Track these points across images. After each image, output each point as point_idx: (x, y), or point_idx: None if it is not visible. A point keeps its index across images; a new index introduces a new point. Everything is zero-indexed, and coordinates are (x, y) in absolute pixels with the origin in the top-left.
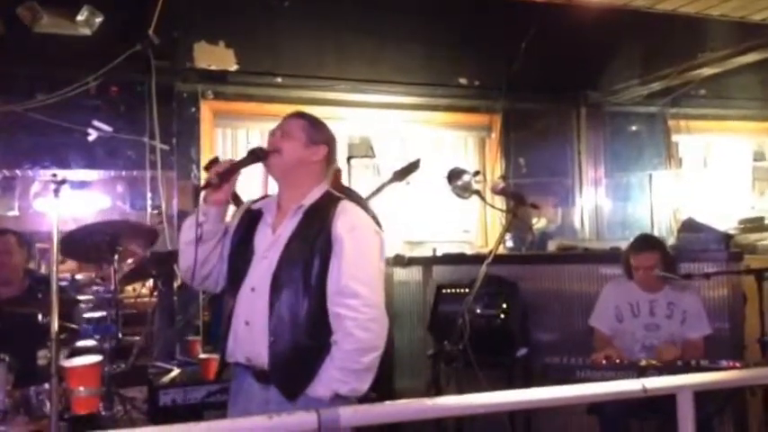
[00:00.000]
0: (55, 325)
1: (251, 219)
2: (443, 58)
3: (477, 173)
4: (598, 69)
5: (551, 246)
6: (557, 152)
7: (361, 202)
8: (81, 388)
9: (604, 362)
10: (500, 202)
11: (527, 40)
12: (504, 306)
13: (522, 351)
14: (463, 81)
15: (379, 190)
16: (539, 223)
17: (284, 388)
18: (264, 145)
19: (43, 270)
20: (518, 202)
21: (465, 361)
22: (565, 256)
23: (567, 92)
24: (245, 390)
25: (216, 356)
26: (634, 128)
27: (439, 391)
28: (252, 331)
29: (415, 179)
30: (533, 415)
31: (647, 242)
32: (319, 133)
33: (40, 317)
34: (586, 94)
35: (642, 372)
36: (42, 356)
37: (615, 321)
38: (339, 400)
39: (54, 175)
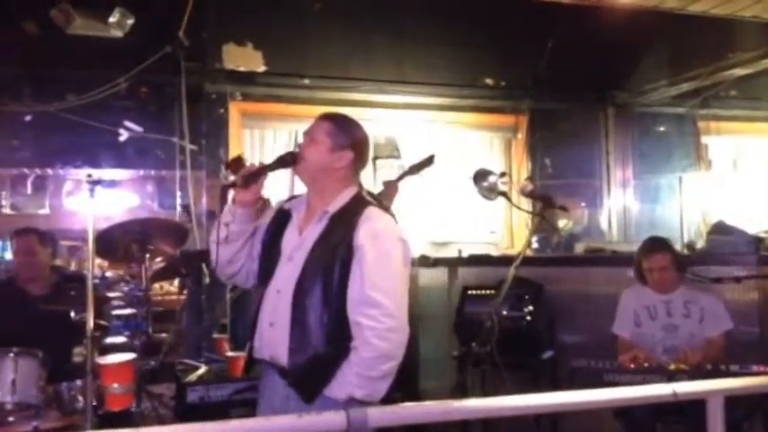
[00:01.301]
0: (90, 322)
1: (282, 218)
2: (469, 58)
3: (503, 174)
4: (626, 70)
5: (578, 248)
6: (584, 153)
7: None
8: (115, 385)
9: (632, 365)
10: (526, 203)
11: (554, 40)
12: (531, 308)
13: (548, 353)
14: (489, 81)
15: (397, 180)
16: (566, 225)
17: (302, 391)
18: (293, 146)
19: (73, 267)
20: (546, 205)
21: (491, 363)
22: (592, 258)
23: (594, 92)
24: (270, 386)
25: (242, 354)
26: (663, 129)
27: (465, 393)
28: (275, 333)
29: (438, 179)
30: (559, 417)
31: (657, 243)
32: (346, 137)
33: (72, 314)
34: (614, 94)
35: (671, 376)
36: (78, 353)
37: (634, 326)
38: (355, 402)
39: (89, 176)
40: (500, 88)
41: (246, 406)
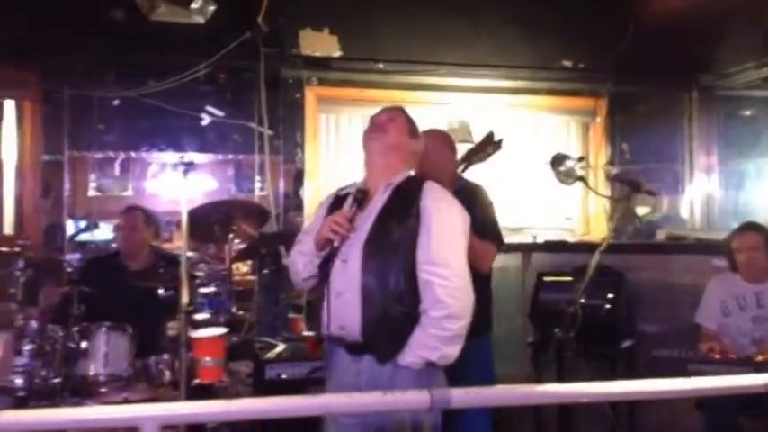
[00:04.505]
0: (185, 298)
1: (339, 202)
2: (547, 39)
3: (581, 158)
4: (711, 51)
5: (660, 235)
6: (666, 138)
7: (476, 188)
8: (207, 358)
9: (717, 356)
10: (603, 188)
11: (636, 21)
12: (610, 296)
13: (628, 343)
14: (567, 64)
15: (462, 171)
16: (648, 213)
17: (377, 351)
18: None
19: None
20: (634, 189)
21: (569, 350)
22: (675, 245)
23: (677, 75)
24: (339, 363)
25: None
26: (750, 113)
27: (540, 379)
28: (344, 301)
29: (512, 163)
30: (637, 407)
31: (748, 224)
32: (417, 131)
33: (161, 291)
34: (698, 77)
35: (758, 367)
36: (172, 327)
37: (722, 316)
38: (429, 367)
39: (182, 157)
40: (578, 71)
41: (322, 384)
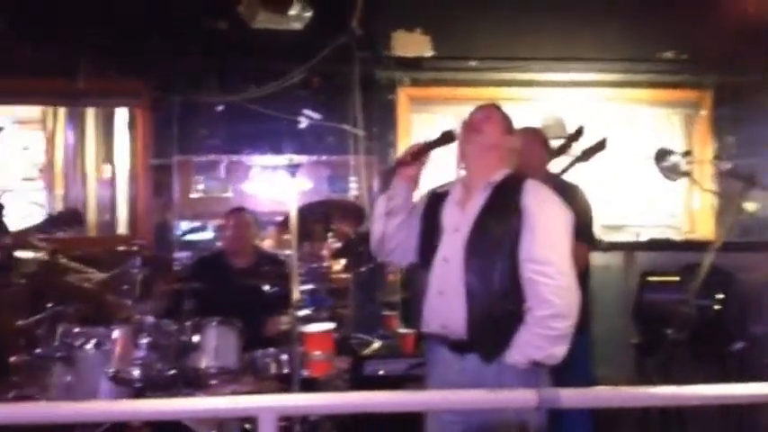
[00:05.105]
0: (296, 294)
1: (437, 200)
2: (646, 30)
3: (686, 153)
4: None
5: None
6: None
7: (571, 188)
8: (318, 352)
9: None
10: (709, 183)
11: (742, 8)
12: (720, 296)
13: (739, 345)
14: (669, 54)
15: (564, 171)
16: (755, 208)
17: (482, 350)
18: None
19: None
20: (748, 185)
21: (679, 352)
22: None
23: None
24: (440, 361)
25: (412, 331)
26: None
27: (646, 381)
28: (446, 300)
29: (610, 158)
30: (746, 413)
31: None
32: (512, 126)
33: (265, 288)
34: None
35: None
36: (283, 322)
37: None
38: (535, 366)
39: (291, 160)
40: (681, 62)
41: (419, 381)
